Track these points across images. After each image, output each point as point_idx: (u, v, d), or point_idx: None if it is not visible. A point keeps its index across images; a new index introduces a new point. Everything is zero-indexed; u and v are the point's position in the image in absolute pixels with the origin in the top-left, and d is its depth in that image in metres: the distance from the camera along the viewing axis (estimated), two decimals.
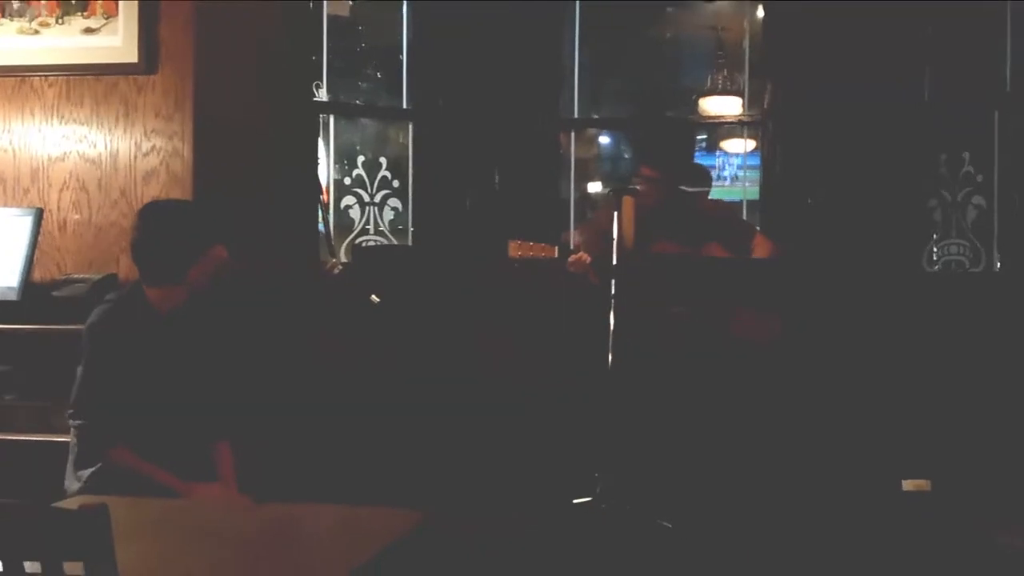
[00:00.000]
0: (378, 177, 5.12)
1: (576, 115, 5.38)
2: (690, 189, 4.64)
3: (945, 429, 4.44)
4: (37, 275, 3.87)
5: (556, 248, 4.15)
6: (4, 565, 1.64)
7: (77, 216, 3.97)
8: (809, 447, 4.35)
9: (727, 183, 7.65)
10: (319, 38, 4.90)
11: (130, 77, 3.93)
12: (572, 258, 4.12)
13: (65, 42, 3.96)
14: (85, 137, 3.97)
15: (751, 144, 5.77)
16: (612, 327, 3.94)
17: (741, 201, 5.70)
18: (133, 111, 3.94)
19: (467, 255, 4.86)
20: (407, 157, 5.17)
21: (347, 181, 5.07)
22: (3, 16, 4.00)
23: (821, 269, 4.58)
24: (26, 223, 3.79)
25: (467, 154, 5.09)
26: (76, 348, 3.03)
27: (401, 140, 5.26)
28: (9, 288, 3.71)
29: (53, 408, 3.45)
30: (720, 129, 7.12)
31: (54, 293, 3.75)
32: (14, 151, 4.02)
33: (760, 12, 5.25)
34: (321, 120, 4.94)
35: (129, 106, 3.94)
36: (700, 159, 6.90)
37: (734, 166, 7.64)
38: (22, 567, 1.65)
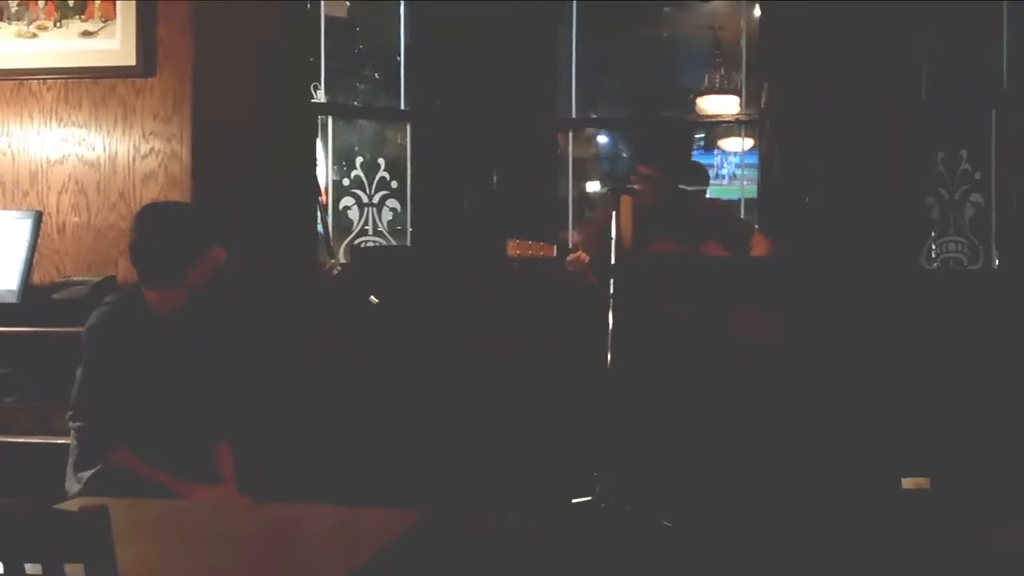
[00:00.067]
0: (376, 178, 5.12)
1: (574, 115, 5.39)
2: (688, 188, 4.65)
3: (945, 427, 4.44)
4: (36, 278, 3.87)
5: (555, 247, 4.15)
6: (5, 567, 1.65)
7: (76, 219, 3.97)
8: (809, 446, 4.35)
9: (725, 182, 7.67)
10: (317, 39, 4.90)
11: (128, 80, 3.93)
12: (571, 257, 4.12)
13: (63, 45, 3.96)
14: (84, 140, 3.98)
15: (749, 143, 5.78)
16: (611, 326, 3.94)
17: (739, 200, 5.70)
18: (131, 113, 3.94)
19: (466, 255, 4.87)
20: (405, 158, 5.18)
21: (345, 182, 5.07)
22: (1, 20, 4.01)
23: (820, 267, 4.59)
24: (25, 226, 3.79)
25: (465, 154, 5.10)
26: (75, 350, 3.04)
27: (399, 141, 5.26)
28: (9, 291, 3.71)
29: (53, 410, 3.45)
30: (718, 128, 7.14)
31: (53, 296, 3.75)
32: (13, 154, 4.02)
33: (757, 11, 5.25)
34: (319, 121, 4.94)
35: (127, 108, 3.94)
36: (698, 158, 6.93)
37: (732, 165, 7.66)
38: (23, 569, 1.65)
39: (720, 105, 6.54)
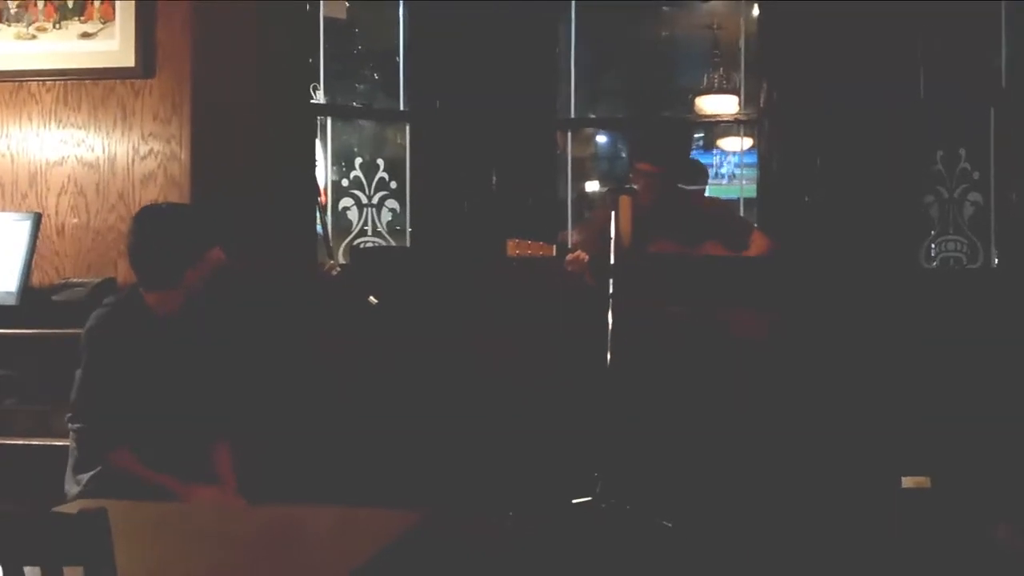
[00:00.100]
0: (376, 178, 5.12)
1: (573, 115, 5.39)
2: (687, 187, 4.65)
3: (945, 426, 4.44)
4: (36, 279, 3.88)
5: (554, 247, 4.14)
6: (4, 569, 1.65)
7: (75, 220, 3.97)
8: (808, 445, 4.35)
9: (724, 181, 7.68)
10: (316, 40, 4.90)
11: (127, 81, 3.94)
12: (570, 257, 4.11)
13: (62, 47, 3.96)
14: (83, 141, 3.98)
15: (748, 142, 5.78)
16: (610, 326, 3.94)
17: (738, 199, 5.70)
18: (131, 115, 3.94)
19: (465, 256, 4.87)
20: (404, 158, 5.18)
21: (345, 183, 5.07)
22: (0, 21, 4.01)
23: (819, 266, 4.59)
24: (24, 228, 3.79)
25: (464, 155, 5.10)
26: (75, 352, 3.04)
27: (398, 141, 5.26)
28: (8, 293, 3.71)
29: (52, 412, 3.46)
30: (717, 127, 7.15)
31: (53, 297, 3.75)
32: (12, 156, 4.02)
33: (755, 11, 5.25)
34: (319, 122, 4.94)
35: (127, 110, 3.95)
36: (697, 158, 6.93)
37: (731, 164, 7.67)
38: (22, 571, 1.65)
39: (719, 105, 6.55)
